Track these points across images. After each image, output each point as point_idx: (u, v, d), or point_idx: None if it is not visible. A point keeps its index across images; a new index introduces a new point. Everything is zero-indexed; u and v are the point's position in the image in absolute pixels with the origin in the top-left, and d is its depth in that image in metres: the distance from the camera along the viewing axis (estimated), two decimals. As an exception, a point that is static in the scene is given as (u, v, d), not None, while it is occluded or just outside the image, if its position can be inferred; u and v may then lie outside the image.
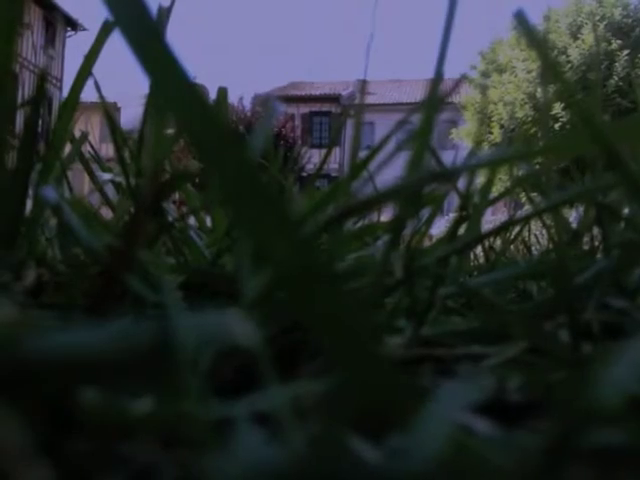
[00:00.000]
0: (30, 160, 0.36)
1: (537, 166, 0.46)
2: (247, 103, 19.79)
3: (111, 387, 0.17)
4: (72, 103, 0.53)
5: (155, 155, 0.42)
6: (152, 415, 0.17)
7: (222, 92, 0.52)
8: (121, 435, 0.21)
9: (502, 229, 0.39)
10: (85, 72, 0.51)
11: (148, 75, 0.14)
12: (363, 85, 0.38)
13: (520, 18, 0.27)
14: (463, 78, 0.31)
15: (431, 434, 0.11)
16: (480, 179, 0.49)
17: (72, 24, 18.50)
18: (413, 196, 0.28)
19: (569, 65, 14.34)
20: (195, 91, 0.13)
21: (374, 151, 0.39)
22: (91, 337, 0.13)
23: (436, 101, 0.26)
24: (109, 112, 0.54)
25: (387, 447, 0.12)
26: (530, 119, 14.02)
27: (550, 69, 0.27)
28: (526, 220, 0.38)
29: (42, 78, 0.35)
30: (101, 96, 0.55)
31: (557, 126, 13.50)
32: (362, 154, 0.39)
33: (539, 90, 14.17)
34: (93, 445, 0.21)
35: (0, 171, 0.30)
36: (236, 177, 0.13)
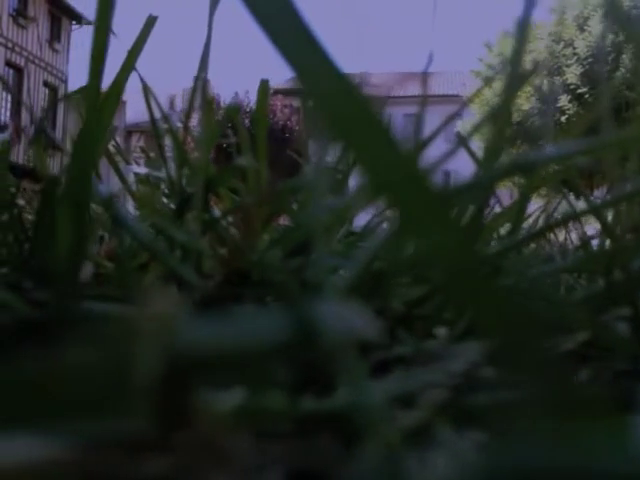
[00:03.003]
0: (94, 158, 0.36)
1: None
2: (252, 97, 19.80)
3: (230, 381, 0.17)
4: (115, 98, 0.52)
5: (206, 146, 0.42)
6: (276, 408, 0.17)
7: (264, 85, 0.51)
8: (224, 429, 0.21)
9: (561, 223, 0.39)
10: (128, 67, 0.51)
11: (295, 70, 0.14)
12: (425, 77, 0.38)
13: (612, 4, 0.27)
14: (534, 69, 0.31)
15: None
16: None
17: (77, 17, 18.49)
18: (489, 188, 0.28)
19: (575, 57, 14.28)
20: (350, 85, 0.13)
21: (426, 141, 0.38)
22: (237, 330, 0.13)
23: (512, 93, 0.26)
24: (155, 101, 0.54)
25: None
26: (536, 111, 13.96)
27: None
28: (581, 215, 0.38)
29: (97, 73, 0.35)
30: (145, 86, 0.55)
31: (563, 118, 13.44)
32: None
33: (545, 82, 14.10)
34: (199, 439, 0.21)
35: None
36: (393, 169, 0.13)
